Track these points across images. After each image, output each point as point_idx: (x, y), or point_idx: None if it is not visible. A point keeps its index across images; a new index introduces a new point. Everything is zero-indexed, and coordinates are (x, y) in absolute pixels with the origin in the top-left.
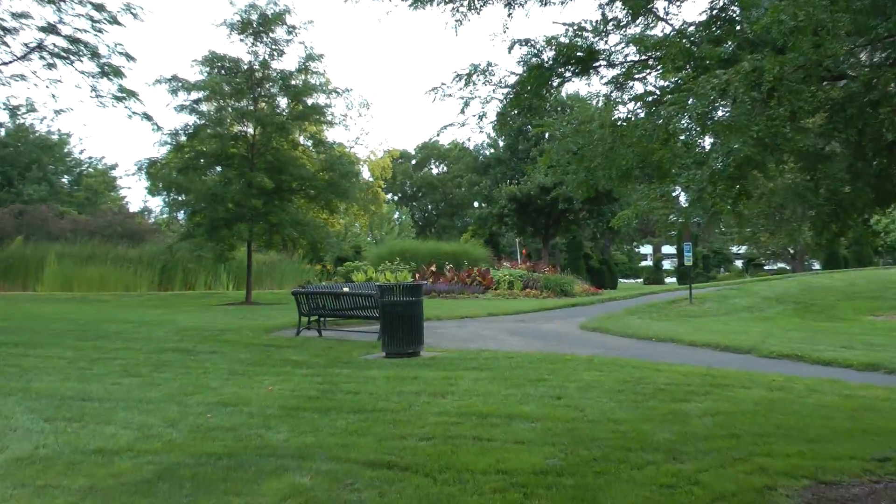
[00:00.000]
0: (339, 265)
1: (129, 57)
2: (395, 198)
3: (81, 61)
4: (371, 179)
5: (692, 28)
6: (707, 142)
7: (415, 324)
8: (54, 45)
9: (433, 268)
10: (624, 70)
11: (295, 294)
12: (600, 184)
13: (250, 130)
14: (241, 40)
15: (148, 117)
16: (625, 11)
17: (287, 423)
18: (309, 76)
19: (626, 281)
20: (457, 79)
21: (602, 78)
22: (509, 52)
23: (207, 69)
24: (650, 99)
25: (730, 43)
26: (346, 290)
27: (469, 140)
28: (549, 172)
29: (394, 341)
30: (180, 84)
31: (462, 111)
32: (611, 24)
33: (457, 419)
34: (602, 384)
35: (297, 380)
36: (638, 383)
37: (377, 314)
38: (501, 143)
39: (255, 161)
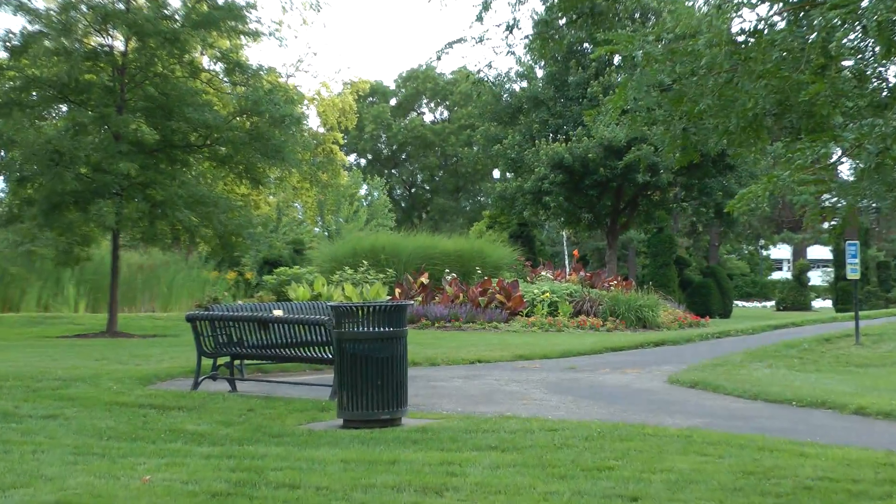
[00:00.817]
0: (268, 272)
1: None
2: (363, 161)
3: None
4: (323, 131)
5: None
6: (893, 71)
7: (393, 371)
8: None
9: (424, 278)
10: None
11: (193, 320)
12: (708, 141)
13: (119, 45)
14: None
15: None
16: None
17: None
18: None
19: (745, 305)
20: None
21: None
22: None
23: None
24: None
25: None
26: (278, 313)
27: (489, 67)
28: (623, 123)
29: (358, 400)
30: None
31: (479, 18)
32: None
33: None
34: (707, 477)
35: (195, 465)
36: (767, 476)
37: (330, 355)
38: (541, 73)
39: (126, 97)
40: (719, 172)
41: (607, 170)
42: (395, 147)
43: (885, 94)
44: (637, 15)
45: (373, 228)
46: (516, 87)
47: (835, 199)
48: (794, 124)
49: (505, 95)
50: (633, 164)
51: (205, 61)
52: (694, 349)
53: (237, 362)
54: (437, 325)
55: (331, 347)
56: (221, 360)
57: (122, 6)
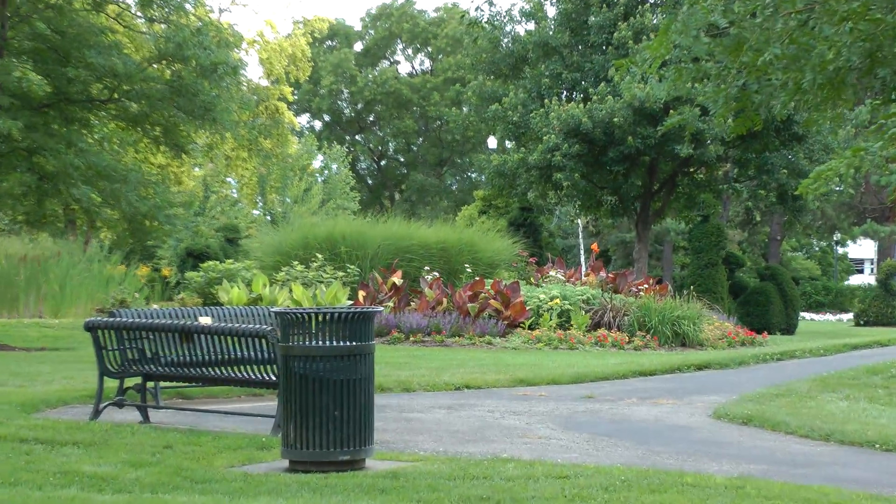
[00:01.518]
0: (192, 267)
1: None
2: (318, 125)
3: None
4: (266, 83)
5: None
6: None
7: (355, 399)
8: None
9: (397, 278)
10: None
11: (93, 329)
12: (773, 103)
13: None
14: None
15: None
16: None
17: None
18: None
19: (814, 318)
20: None
21: None
22: None
23: None
24: None
25: None
26: (205, 321)
27: (488, 3)
28: (662, 77)
29: (309, 435)
30: None
31: None
32: None
33: None
34: None
35: None
36: None
37: (273, 376)
38: (553, 11)
39: (7, 35)
40: (784, 144)
41: (638, 139)
42: (360, 106)
43: None
44: None
45: (330, 212)
46: (521, 29)
47: None
48: (888, 82)
49: (506, 40)
50: (672, 133)
51: None
52: (747, 375)
53: (151, 384)
54: (412, 338)
55: (274, 367)
56: (130, 382)
57: None
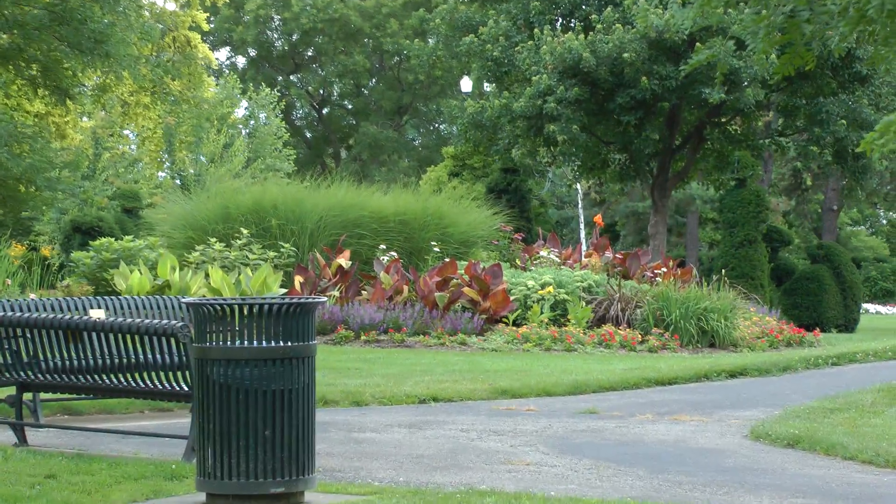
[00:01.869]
0: (80, 246)
1: None
2: (242, 62)
3: None
4: (174, 8)
5: None
6: None
7: (291, 415)
8: None
9: (344, 259)
10: None
11: None
12: (829, 34)
13: None
14: None
15: None
16: None
17: None
18: None
19: (880, 310)
20: None
21: None
22: None
23: None
24: None
25: None
26: (97, 315)
27: None
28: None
29: (232, 461)
30: None
31: None
32: None
33: None
34: None
35: None
36: None
37: (186, 386)
38: None
39: None
40: (843, 87)
41: (655, 80)
42: (295, 38)
43: None
44: None
45: (258, 174)
46: None
47: None
48: None
49: None
50: (699, 73)
51: None
52: (794, 383)
53: (29, 396)
54: (364, 337)
55: (187, 374)
56: (1, 393)
57: None
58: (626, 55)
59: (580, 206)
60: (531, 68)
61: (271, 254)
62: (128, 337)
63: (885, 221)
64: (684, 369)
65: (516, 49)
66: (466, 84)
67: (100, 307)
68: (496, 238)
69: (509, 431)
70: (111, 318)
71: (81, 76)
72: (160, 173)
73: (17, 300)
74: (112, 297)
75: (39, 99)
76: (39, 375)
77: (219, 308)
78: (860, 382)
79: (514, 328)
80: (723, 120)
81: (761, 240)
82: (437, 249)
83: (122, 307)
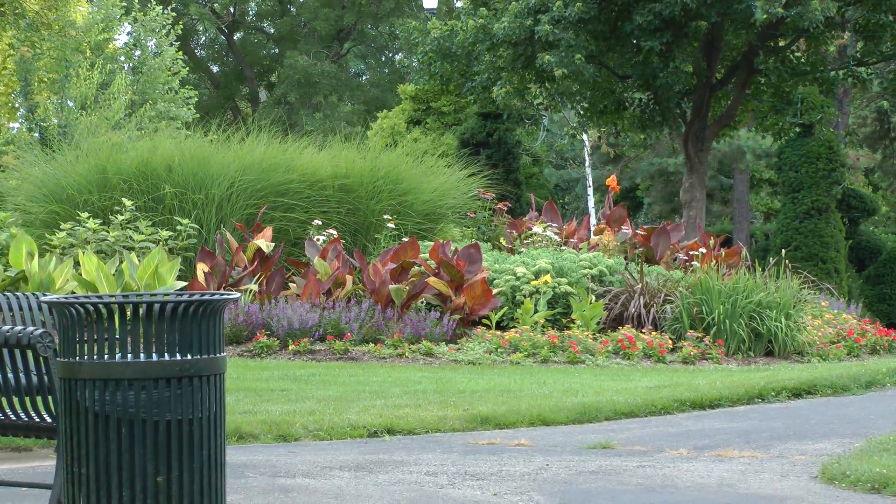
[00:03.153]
0: None
1: None
2: None
3: None
4: None
5: None
6: None
7: (192, 454)
8: None
9: (265, 239)
10: None
11: None
12: None
13: None
14: None
15: None
16: None
17: None
18: None
19: None
20: None
21: None
22: None
23: None
24: None
25: None
26: None
27: None
28: None
29: None
30: None
31: None
32: None
33: None
34: None
35: None
36: None
37: (49, 417)
38: None
39: None
40: None
41: None
42: None
43: None
44: None
45: (146, 125)
46: None
47: None
48: None
49: None
50: None
51: None
52: (880, 404)
53: None
54: (294, 347)
55: (49, 399)
56: None
57: None
58: None
59: (588, 164)
60: None
61: (165, 233)
62: None
63: None
64: (731, 387)
65: None
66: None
67: None
68: (473, 209)
69: (492, 475)
70: None
71: None
72: (12, 124)
73: None
74: None
75: None
76: None
77: (92, 309)
78: None
79: (499, 332)
80: (781, 44)
81: (835, 208)
82: (391, 225)
83: None
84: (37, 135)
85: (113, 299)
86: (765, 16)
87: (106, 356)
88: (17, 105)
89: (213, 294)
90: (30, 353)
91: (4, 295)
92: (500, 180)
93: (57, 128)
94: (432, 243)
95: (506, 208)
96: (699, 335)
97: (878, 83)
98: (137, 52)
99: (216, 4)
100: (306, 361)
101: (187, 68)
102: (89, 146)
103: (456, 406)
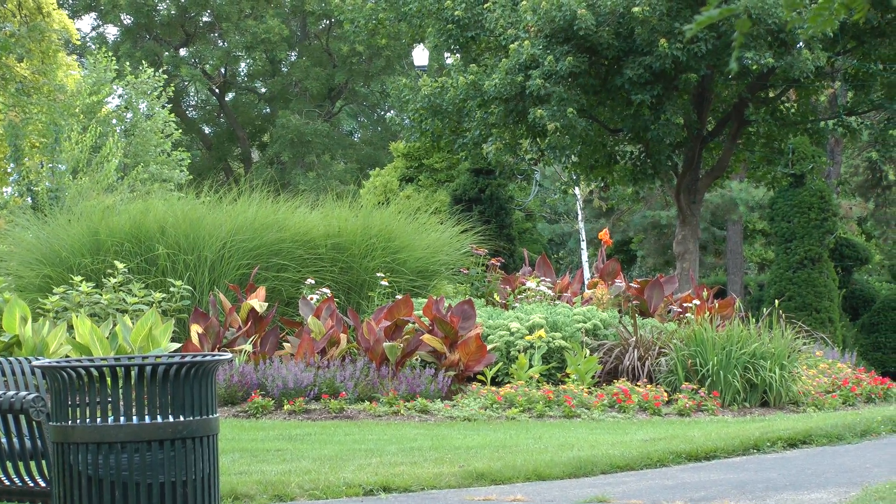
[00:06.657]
0: None
1: None
2: (114, 33)
3: None
4: None
5: None
6: None
7: None
8: None
9: (258, 299)
10: None
11: None
12: None
13: None
14: None
15: None
16: None
17: None
18: None
19: None
20: None
21: None
22: None
23: None
24: None
25: None
26: None
27: None
28: None
29: None
30: None
31: None
32: None
33: None
34: None
35: None
36: None
37: (43, 482)
38: None
39: None
40: None
41: (677, 44)
42: None
43: None
44: None
45: (139, 187)
46: None
47: None
48: None
49: None
50: (733, 31)
51: None
52: (877, 453)
53: None
54: (289, 406)
55: (43, 463)
56: None
57: None
58: (636, 9)
59: (580, 218)
60: (507, 32)
61: (158, 295)
62: None
63: None
64: (727, 438)
65: (486, 6)
66: (420, 56)
67: None
68: (466, 265)
69: None
70: None
71: None
72: (4, 188)
73: None
74: None
75: None
76: None
77: (84, 372)
78: None
79: (494, 388)
80: (771, 95)
81: (828, 257)
82: (385, 283)
83: None
84: (28, 199)
85: (104, 362)
86: (755, 68)
87: (98, 419)
88: (7, 170)
89: (206, 355)
90: (23, 418)
91: None
92: (493, 236)
93: (48, 192)
94: (426, 300)
95: (499, 264)
96: (694, 387)
97: (868, 133)
98: (129, 115)
99: (207, 66)
100: (302, 421)
101: (179, 130)
102: (81, 209)
103: (452, 462)
